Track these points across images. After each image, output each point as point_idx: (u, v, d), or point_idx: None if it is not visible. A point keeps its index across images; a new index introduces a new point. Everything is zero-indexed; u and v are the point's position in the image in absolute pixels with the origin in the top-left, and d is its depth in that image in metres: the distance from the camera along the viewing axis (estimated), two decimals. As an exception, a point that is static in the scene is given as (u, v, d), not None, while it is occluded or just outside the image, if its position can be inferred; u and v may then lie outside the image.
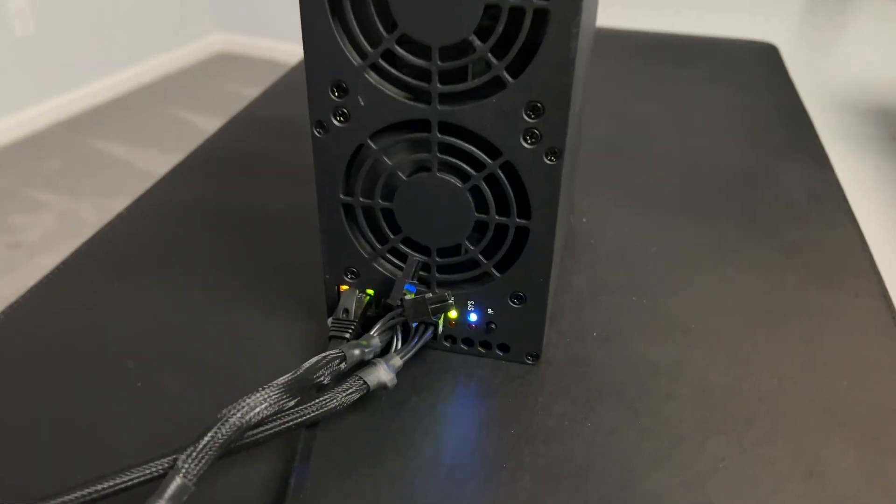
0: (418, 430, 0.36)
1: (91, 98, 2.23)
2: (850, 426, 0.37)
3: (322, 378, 0.33)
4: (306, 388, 0.33)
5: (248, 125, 0.69)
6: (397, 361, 0.36)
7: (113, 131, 2.09)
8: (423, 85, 0.33)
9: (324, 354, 0.34)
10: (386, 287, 0.40)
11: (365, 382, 0.35)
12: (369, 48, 0.33)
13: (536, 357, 0.40)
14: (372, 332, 0.37)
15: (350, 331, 0.39)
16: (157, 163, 1.90)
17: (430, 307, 0.37)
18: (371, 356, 0.36)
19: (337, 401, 0.34)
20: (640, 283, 0.47)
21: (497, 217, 0.36)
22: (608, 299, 0.46)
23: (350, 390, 0.34)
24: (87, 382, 0.39)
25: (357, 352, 0.35)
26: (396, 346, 0.38)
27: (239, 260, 0.49)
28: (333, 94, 0.35)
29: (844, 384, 0.40)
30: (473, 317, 0.40)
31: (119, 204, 1.72)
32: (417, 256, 0.39)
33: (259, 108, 0.73)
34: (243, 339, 0.42)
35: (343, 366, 0.34)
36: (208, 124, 2.11)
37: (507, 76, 0.32)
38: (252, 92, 2.30)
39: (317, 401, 0.33)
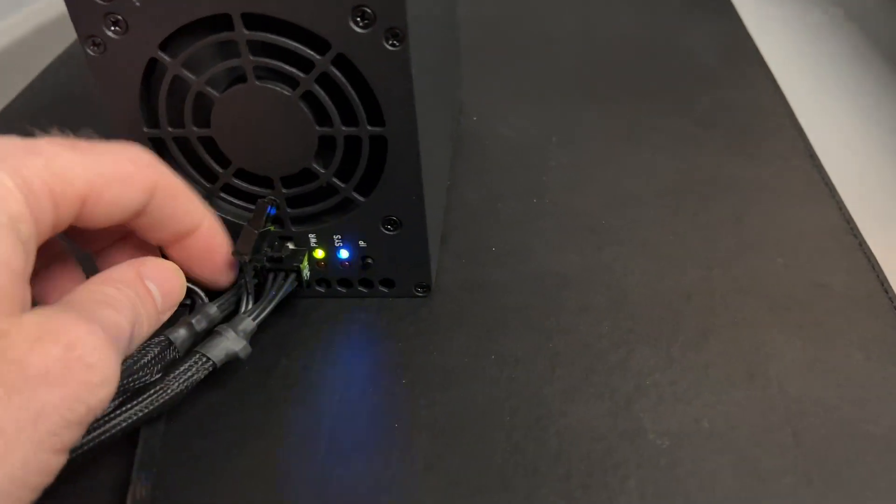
0: (290, 399, 0.30)
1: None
2: (789, 312, 0.32)
3: (148, 377, 0.26)
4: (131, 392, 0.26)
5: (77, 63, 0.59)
6: (249, 324, 0.29)
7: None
8: (209, -34, 0.25)
9: (140, 350, 0.27)
10: (231, 231, 0.33)
11: (208, 359, 0.28)
12: (124, -76, 0.25)
13: (427, 288, 0.34)
14: (213, 302, 0.30)
15: (188, 303, 0.31)
16: None
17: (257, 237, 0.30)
18: (212, 326, 0.29)
19: (174, 388, 0.27)
20: (541, 184, 0.41)
21: (344, 128, 0.29)
22: (506, 207, 0.39)
23: (189, 373, 0.27)
24: None
25: (184, 331, 0.28)
26: (247, 305, 0.31)
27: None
28: (97, -5, 0.26)
29: (779, 262, 0.35)
30: (344, 253, 0.33)
31: None
32: (257, 190, 0.31)
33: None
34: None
35: (177, 353, 0.28)
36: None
37: (313, -62, 0.24)
38: None
39: (147, 394, 0.26)
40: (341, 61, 0.27)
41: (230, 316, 0.31)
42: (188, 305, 0.30)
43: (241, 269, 0.31)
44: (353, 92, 0.28)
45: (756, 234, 0.37)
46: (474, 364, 0.31)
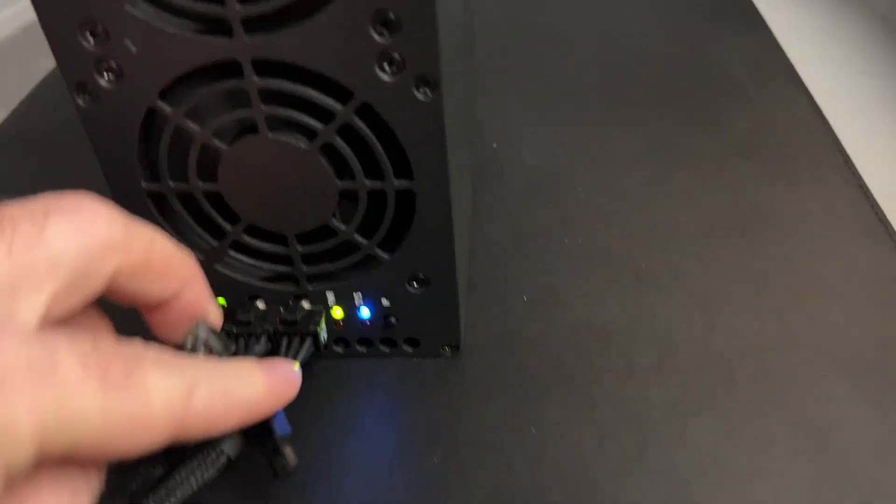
0: (310, 480, 0.27)
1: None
2: (854, 371, 0.30)
3: (155, 471, 0.23)
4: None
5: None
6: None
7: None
8: (216, 8, 0.22)
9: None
10: (238, 291, 0.29)
11: (222, 452, 0.25)
12: (117, -37, 0.21)
13: (456, 347, 0.31)
14: None
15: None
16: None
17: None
18: None
19: (189, 485, 0.23)
20: (571, 219, 0.38)
21: (367, 182, 0.26)
22: (534, 246, 0.36)
23: (204, 469, 0.24)
24: None
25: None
26: None
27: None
28: (88, 41, 0.23)
29: (836, 311, 0.32)
30: (365, 312, 0.30)
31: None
32: (269, 248, 0.28)
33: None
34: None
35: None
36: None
37: (336, -22, 0.21)
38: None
39: (158, 489, 0.23)
40: (365, 110, 0.24)
41: None
42: None
43: (240, 341, 0.28)
44: (378, 143, 0.25)
45: (808, 277, 0.34)
46: (513, 438, 0.28)
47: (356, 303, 0.30)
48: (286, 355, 0.28)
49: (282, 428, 0.25)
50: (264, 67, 0.23)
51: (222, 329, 0.28)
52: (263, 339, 0.29)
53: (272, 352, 0.29)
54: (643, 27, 0.55)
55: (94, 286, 0.18)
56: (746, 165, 0.40)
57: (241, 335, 0.29)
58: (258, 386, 0.22)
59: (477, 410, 0.29)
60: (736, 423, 0.28)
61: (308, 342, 0.29)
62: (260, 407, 0.22)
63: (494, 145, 0.44)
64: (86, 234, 0.18)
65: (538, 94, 0.48)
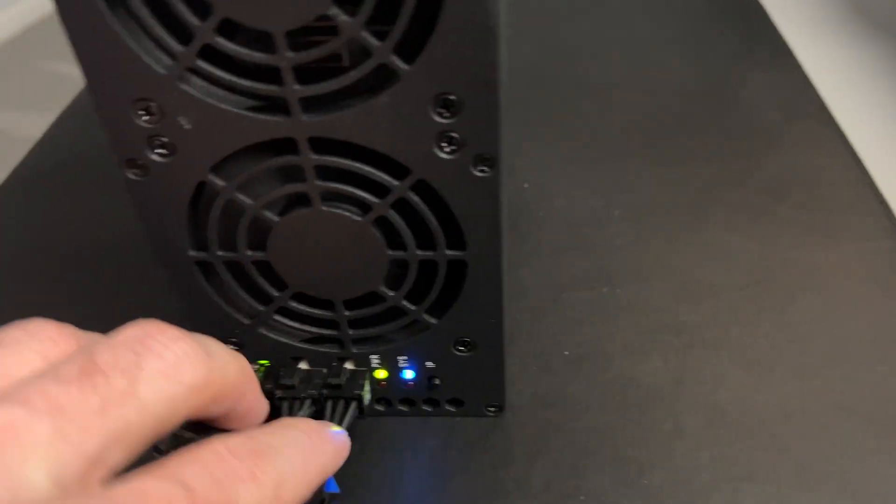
0: (358, 552, 0.27)
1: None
2: (904, 436, 0.29)
3: None
4: None
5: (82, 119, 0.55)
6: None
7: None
8: (273, 89, 0.22)
9: None
10: (282, 353, 0.29)
11: None
12: (177, 46, 0.21)
13: (499, 408, 0.31)
14: None
15: (246, 428, 0.28)
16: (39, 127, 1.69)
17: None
18: None
19: None
20: (608, 268, 0.37)
21: (419, 252, 0.26)
22: (573, 298, 0.36)
23: None
24: None
25: None
26: None
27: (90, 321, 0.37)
28: (141, 118, 0.23)
29: (880, 372, 0.32)
30: (409, 374, 0.30)
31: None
32: (316, 313, 0.28)
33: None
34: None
35: None
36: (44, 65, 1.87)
37: (399, 62, 0.21)
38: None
39: None
40: (420, 185, 0.24)
41: None
42: None
43: (284, 405, 0.28)
44: (432, 218, 0.24)
45: (850, 334, 0.33)
46: (562, 506, 0.27)
47: (400, 365, 0.29)
48: (331, 419, 0.28)
49: (331, 488, 0.25)
50: (320, 143, 0.23)
51: (271, 384, 0.28)
52: (308, 403, 0.29)
53: (316, 415, 0.29)
54: (672, 63, 0.54)
55: (168, 429, 0.18)
56: (781, 212, 0.40)
57: (285, 399, 0.29)
58: (329, 453, 0.22)
59: (524, 476, 0.29)
60: (786, 492, 0.28)
61: (353, 406, 0.29)
62: (330, 472, 0.22)
63: (526, 185, 0.43)
64: (174, 383, 0.17)
65: (568, 133, 0.47)
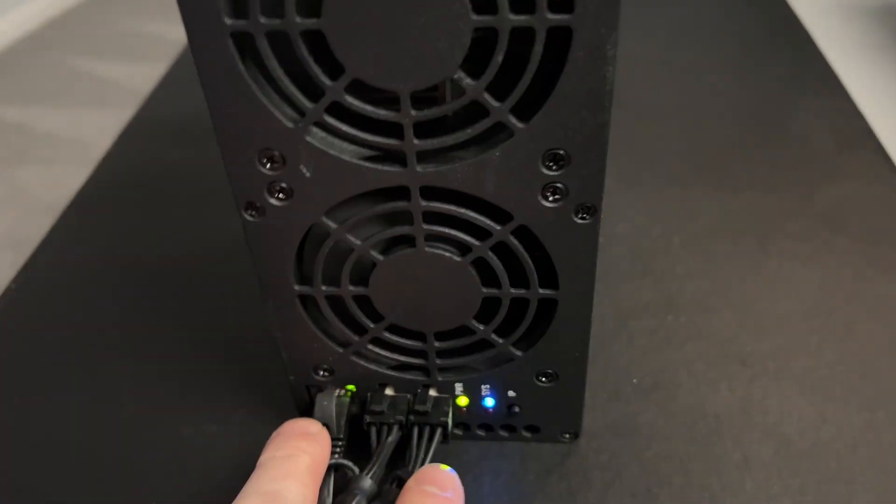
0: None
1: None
2: (969, 470, 0.30)
3: None
4: None
5: (146, 131, 0.56)
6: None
7: (2, 91, 1.87)
8: (394, 142, 0.23)
9: None
10: (370, 379, 0.31)
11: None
12: (307, 103, 0.22)
13: (575, 435, 0.32)
14: (364, 473, 0.28)
15: (338, 450, 0.29)
16: (59, 123, 1.72)
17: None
18: (365, 503, 0.27)
19: None
20: (672, 296, 0.39)
21: (512, 290, 0.27)
22: (639, 326, 0.37)
23: None
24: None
25: None
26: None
27: (171, 339, 0.38)
28: (265, 166, 0.24)
29: (943, 404, 0.33)
30: (490, 401, 0.31)
31: (25, 175, 1.55)
32: (409, 343, 0.29)
33: (158, 105, 0.60)
34: (198, 468, 0.32)
35: None
36: (107, 70, 1.90)
37: (515, 120, 0.22)
38: (154, 27, 2.08)
39: None
40: (520, 230, 0.25)
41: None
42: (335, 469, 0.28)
43: (372, 430, 0.30)
44: (529, 260, 0.26)
45: (912, 365, 0.35)
46: (640, 533, 0.29)
47: (482, 393, 0.31)
48: (417, 444, 0.30)
49: None
50: (429, 192, 0.24)
51: (356, 408, 0.30)
52: (395, 429, 0.30)
53: (402, 440, 0.30)
54: (723, 88, 0.55)
55: None
56: (839, 243, 0.41)
57: (373, 424, 0.30)
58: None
59: (600, 502, 0.30)
60: (857, 524, 0.29)
61: (438, 433, 0.30)
62: None
63: (585, 212, 0.44)
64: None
65: (623, 158, 0.49)
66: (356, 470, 0.28)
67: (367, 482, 0.27)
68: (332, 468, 0.28)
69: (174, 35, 1.79)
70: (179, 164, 0.51)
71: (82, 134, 1.68)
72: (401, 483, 0.27)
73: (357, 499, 0.27)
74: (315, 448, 0.26)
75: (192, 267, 0.43)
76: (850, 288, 0.38)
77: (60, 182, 1.49)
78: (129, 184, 0.50)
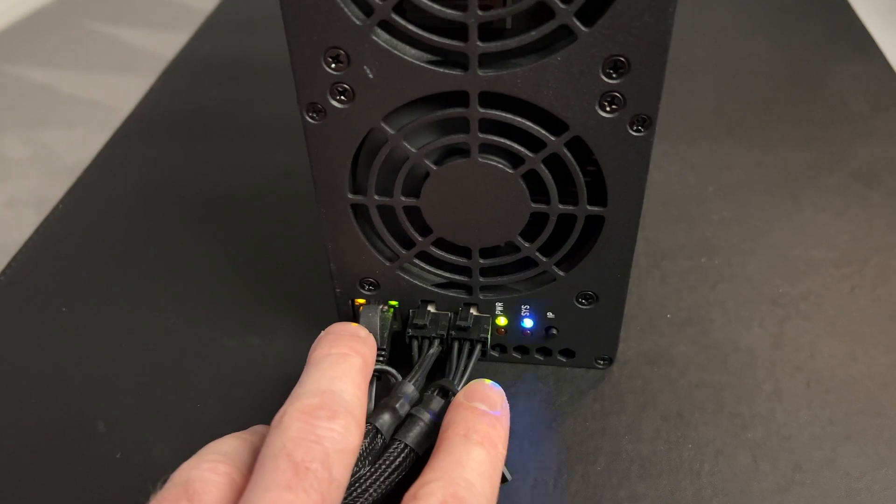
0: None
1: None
2: None
3: (360, 469, 0.25)
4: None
5: (190, 71, 0.57)
6: (439, 404, 0.28)
7: (27, 54, 1.88)
8: (457, 44, 0.24)
9: None
10: (414, 295, 0.31)
11: (412, 450, 0.26)
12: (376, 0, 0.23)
13: (609, 361, 0.33)
14: (406, 380, 0.28)
15: (381, 359, 0.30)
16: (82, 86, 1.73)
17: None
18: (408, 407, 0.28)
19: (382, 482, 0.25)
20: (705, 240, 0.39)
21: (560, 206, 0.28)
22: (673, 266, 0.38)
23: (397, 464, 0.26)
24: (45, 460, 0.30)
25: (388, 417, 0.27)
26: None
27: (215, 259, 0.39)
28: (329, 66, 0.25)
29: (973, 349, 0.33)
30: (528, 322, 0.32)
31: (48, 136, 1.56)
32: (454, 259, 0.30)
33: (202, 46, 0.61)
34: (240, 378, 0.33)
35: (380, 440, 0.26)
36: (133, 38, 1.91)
37: (579, 24, 0.23)
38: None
39: (357, 488, 0.25)
40: (574, 141, 0.26)
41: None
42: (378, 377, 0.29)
43: (414, 343, 0.31)
44: (580, 174, 0.26)
45: (943, 313, 0.35)
46: (671, 453, 0.29)
47: (522, 313, 0.32)
48: (457, 359, 0.30)
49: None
50: (487, 99, 0.25)
51: (398, 325, 0.31)
52: (437, 343, 0.31)
53: (442, 354, 0.31)
54: (758, 48, 0.56)
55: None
56: (874, 198, 0.41)
57: (415, 337, 0.31)
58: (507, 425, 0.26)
59: (633, 424, 0.31)
60: (885, 454, 0.29)
61: (478, 348, 0.31)
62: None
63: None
64: (350, 454, 0.22)
65: (661, 114, 0.49)
66: (399, 377, 0.29)
67: (410, 388, 0.28)
68: (376, 375, 0.29)
69: (200, 4, 1.79)
70: (217, 105, 0.52)
71: (105, 97, 1.69)
72: (443, 392, 0.28)
73: (401, 402, 0.27)
74: (366, 350, 0.27)
75: (237, 195, 0.43)
76: (883, 239, 0.39)
77: (82, 144, 1.51)
78: (175, 119, 0.51)
